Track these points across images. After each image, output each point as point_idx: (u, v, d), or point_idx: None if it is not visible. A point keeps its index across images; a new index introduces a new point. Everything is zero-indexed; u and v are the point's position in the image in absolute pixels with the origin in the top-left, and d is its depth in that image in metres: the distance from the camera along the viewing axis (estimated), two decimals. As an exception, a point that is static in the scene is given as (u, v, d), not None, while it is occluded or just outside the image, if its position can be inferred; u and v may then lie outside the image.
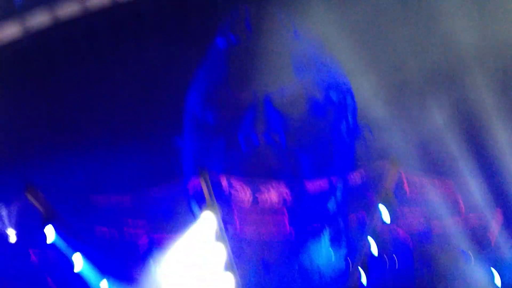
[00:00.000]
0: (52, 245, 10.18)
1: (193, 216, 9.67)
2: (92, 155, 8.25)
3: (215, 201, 9.25)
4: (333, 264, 11.14)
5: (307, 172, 9.57)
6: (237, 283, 11.65)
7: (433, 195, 9.00)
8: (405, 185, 8.70)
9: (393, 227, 9.95)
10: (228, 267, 10.99)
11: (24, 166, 8.19)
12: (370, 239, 9.61)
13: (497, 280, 10.03)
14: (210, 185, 9.01)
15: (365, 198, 9.18)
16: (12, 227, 9.85)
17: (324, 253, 10.74)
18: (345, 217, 9.79)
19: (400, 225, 9.93)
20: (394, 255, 10.77)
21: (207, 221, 9.31)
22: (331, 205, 9.41)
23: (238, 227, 10.22)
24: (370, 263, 10.58)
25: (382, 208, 8.71)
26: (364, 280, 10.46)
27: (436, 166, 8.18)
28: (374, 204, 9.03)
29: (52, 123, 8.21)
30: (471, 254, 10.42)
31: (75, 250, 10.18)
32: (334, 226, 10.02)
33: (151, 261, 11.27)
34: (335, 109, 10.54)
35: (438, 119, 9.11)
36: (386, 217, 8.92)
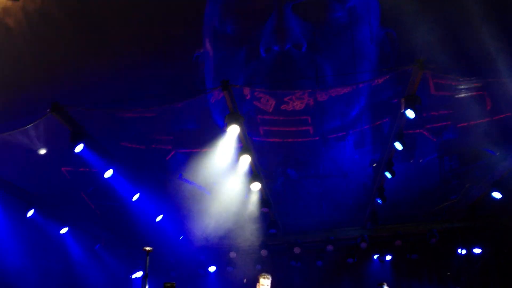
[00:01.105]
0: (84, 162, 10.47)
1: (218, 129, 9.73)
2: (117, 72, 8.23)
3: (239, 112, 9.27)
4: (357, 165, 11.32)
5: (330, 79, 9.47)
6: (264, 190, 11.96)
7: (461, 97, 8.82)
8: (432, 88, 8.53)
9: (419, 131, 9.95)
10: (255, 176, 11.24)
11: (51, 85, 8.23)
12: (396, 143, 9.66)
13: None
14: (233, 97, 8.98)
15: (390, 102, 9.09)
16: (43, 146, 10.08)
17: (348, 156, 10.89)
18: (369, 122, 9.77)
19: (426, 128, 9.89)
20: (420, 159, 10.88)
21: (232, 133, 9.38)
22: (355, 110, 9.38)
23: (262, 137, 10.31)
24: (395, 165, 10.72)
25: (408, 112, 8.64)
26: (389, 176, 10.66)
27: (466, 67, 7.86)
28: (400, 108, 8.96)
29: (76, 42, 8.16)
30: (498, 153, 10.44)
31: (106, 167, 10.46)
32: (358, 130, 10.04)
33: (180, 175, 11.57)
34: (357, 14, 10.22)
35: (471, 16, 8.52)
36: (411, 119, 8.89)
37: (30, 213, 11.47)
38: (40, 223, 12.30)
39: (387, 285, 9.44)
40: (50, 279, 13.24)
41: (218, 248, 15.12)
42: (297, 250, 14.57)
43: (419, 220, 13.65)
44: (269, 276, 8.16)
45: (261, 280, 8.13)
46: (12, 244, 12.23)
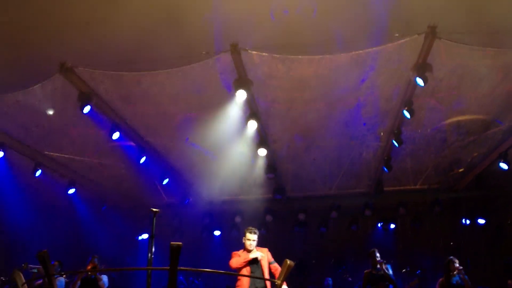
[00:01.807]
0: (91, 123, 10.51)
1: (226, 94, 9.69)
2: (125, 32, 8.17)
3: (247, 77, 9.22)
4: (364, 133, 11.30)
5: (340, 44, 9.34)
6: (270, 156, 11.98)
7: (473, 66, 8.70)
8: (443, 55, 8.42)
9: (428, 99, 9.87)
10: (262, 141, 11.24)
11: (59, 46, 8.21)
12: (405, 111, 9.62)
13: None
14: (242, 62, 8.92)
15: (400, 70, 9.00)
16: (51, 107, 10.10)
17: (355, 123, 10.86)
18: (379, 89, 9.68)
19: (435, 97, 9.82)
20: (428, 128, 10.85)
21: (240, 98, 9.36)
22: (364, 77, 9.28)
23: (270, 102, 10.26)
24: (403, 134, 10.69)
25: (418, 80, 8.58)
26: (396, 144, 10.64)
27: (480, 34, 7.69)
28: (410, 75, 8.89)
29: (86, 3, 8.09)
30: (505, 124, 10.39)
31: (114, 129, 10.49)
32: (367, 98, 9.96)
33: (187, 139, 11.59)
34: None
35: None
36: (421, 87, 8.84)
37: (38, 173, 11.58)
38: (48, 183, 12.43)
39: (378, 252, 9.49)
40: (59, 237, 13.45)
41: (223, 213, 15.27)
42: (301, 216, 14.71)
43: (425, 189, 13.70)
44: (256, 231, 7.62)
45: (248, 235, 7.53)
46: (22, 203, 12.41)
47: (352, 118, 10.69)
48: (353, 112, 10.47)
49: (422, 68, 8.53)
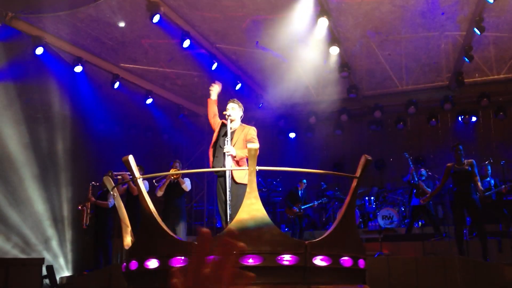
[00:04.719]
0: (162, 33, 10.57)
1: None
2: None
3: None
4: (443, 22, 10.68)
5: None
6: (343, 54, 11.67)
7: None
8: None
9: None
10: (334, 39, 10.92)
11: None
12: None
13: None
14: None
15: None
16: (121, 19, 10.20)
17: (432, 13, 10.25)
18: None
19: None
20: None
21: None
22: None
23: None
24: (485, 21, 10.03)
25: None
26: None
27: None
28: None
29: None
30: None
31: (184, 37, 10.52)
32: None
33: (256, 42, 11.45)
34: None
35: None
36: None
37: (116, 85, 11.95)
38: (126, 95, 12.84)
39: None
40: (141, 145, 14.09)
41: (297, 115, 15.31)
42: (377, 114, 14.45)
43: (509, 79, 12.98)
44: (234, 100, 6.88)
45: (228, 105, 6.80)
46: (105, 115, 12.96)
47: (429, 7, 10.07)
48: (430, 0, 9.84)
49: None
